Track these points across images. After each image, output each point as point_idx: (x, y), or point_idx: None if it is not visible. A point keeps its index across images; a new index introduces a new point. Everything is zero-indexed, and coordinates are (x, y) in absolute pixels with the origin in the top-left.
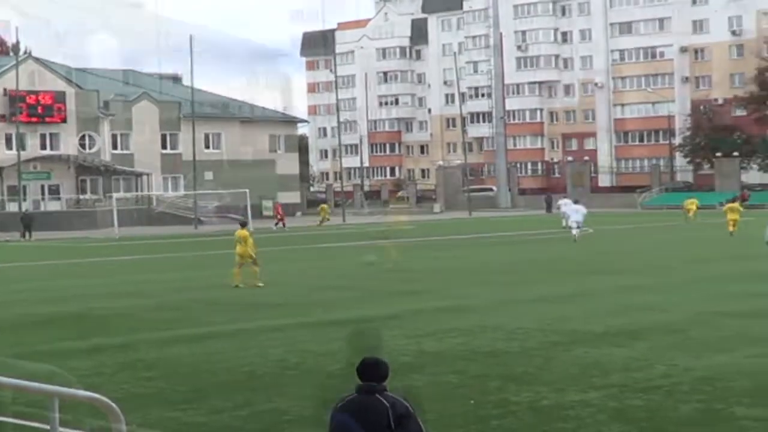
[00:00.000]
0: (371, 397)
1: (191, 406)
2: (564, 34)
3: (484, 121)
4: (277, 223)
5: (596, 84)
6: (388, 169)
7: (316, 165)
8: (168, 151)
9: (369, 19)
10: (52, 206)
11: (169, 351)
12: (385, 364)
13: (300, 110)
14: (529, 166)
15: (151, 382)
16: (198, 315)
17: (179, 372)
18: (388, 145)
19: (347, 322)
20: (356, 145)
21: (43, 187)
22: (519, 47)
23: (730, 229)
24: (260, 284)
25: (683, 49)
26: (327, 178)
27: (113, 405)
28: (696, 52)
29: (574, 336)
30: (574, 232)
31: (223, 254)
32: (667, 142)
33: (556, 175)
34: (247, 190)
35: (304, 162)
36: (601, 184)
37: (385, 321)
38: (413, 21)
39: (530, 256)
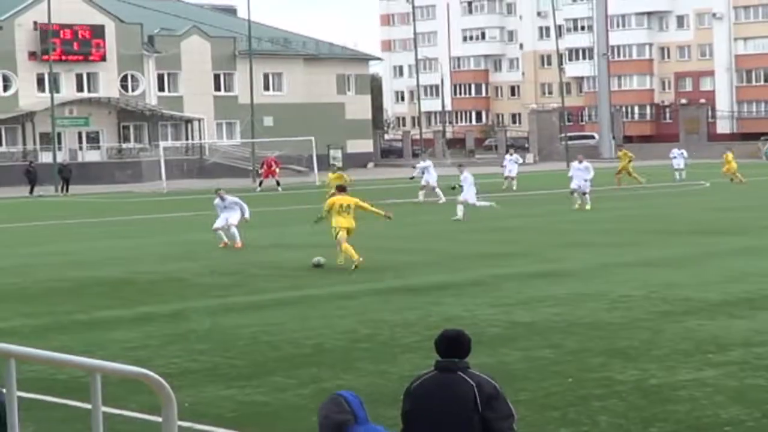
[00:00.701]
0: (453, 375)
1: (250, 383)
2: None
3: (584, 59)
4: (261, 182)
5: (714, 14)
6: (473, 113)
7: (391, 109)
8: (222, 93)
9: None
10: (91, 156)
11: (225, 321)
12: (467, 338)
13: (372, 45)
14: (636, 110)
15: (205, 355)
16: (256, 280)
17: (236, 345)
18: (473, 86)
19: (425, 289)
20: (437, 86)
21: (80, 134)
22: None
23: None
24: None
25: None
26: (403, 124)
27: (162, 381)
28: None
29: (687, 305)
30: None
31: (284, 211)
32: None
33: (667, 120)
34: (313, 138)
35: (377, 105)
36: (719, 130)
37: (468, 287)
38: None
39: (635, 214)
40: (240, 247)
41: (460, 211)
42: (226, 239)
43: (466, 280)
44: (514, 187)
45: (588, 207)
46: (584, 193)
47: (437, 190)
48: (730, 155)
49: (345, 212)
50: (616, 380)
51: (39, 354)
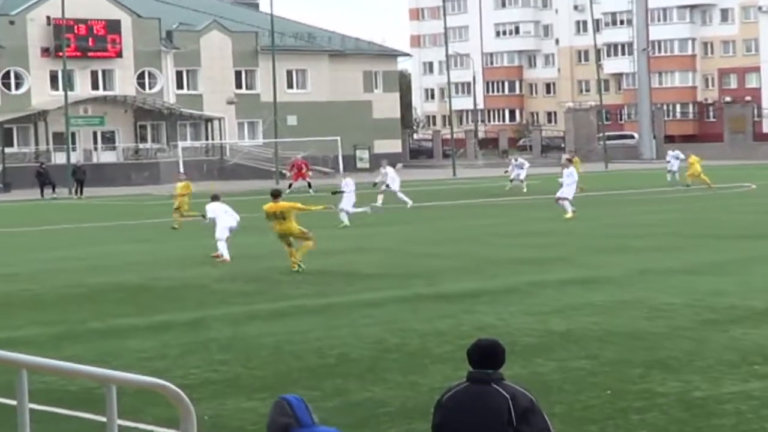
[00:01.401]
0: (486, 387)
1: (272, 395)
2: None
3: (623, 54)
4: (290, 185)
5: (760, 8)
6: (506, 111)
7: (421, 107)
8: (243, 91)
9: None
10: (107, 157)
11: (246, 329)
12: (501, 348)
13: (401, 41)
14: (678, 108)
15: (226, 366)
16: (280, 287)
17: (258, 355)
18: (506, 83)
19: (456, 296)
20: (468, 84)
21: (95, 134)
22: None
23: None
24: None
25: None
26: (434, 123)
27: (181, 393)
28: None
29: (731, 314)
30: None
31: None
32: None
33: (711, 119)
34: (339, 138)
35: (405, 104)
36: (765, 129)
37: (502, 295)
38: None
39: (673, 218)
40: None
41: (344, 218)
42: (226, 254)
43: (499, 286)
44: (524, 190)
45: (568, 215)
46: (558, 200)
47: (399, 194)
48: (694, 158)
49: (279, 218)
50: (657, 392)
51: (51, 364)
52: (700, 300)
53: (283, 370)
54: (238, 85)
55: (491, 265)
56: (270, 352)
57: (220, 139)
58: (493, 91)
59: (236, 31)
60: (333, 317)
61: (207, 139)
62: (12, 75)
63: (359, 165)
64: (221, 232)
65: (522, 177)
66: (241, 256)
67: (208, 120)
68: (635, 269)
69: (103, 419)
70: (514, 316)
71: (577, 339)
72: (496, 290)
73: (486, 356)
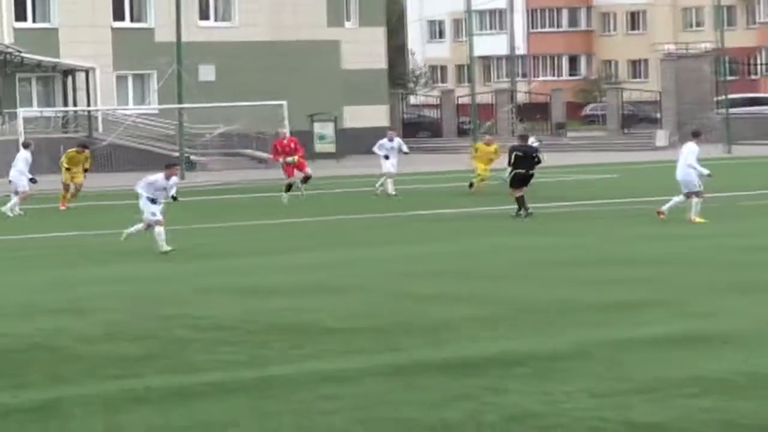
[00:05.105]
0: None
1: None
2: None
3: None
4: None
5: None
6: (564, 60)
7: (422, 52)
8: (126, 24)
9: None
10: None
11: (126, 419)
12: None
13: None
14: None
15: None
16: (184, 349)
17: None
18: (565, 13)
19: (476, 366)
20: (501, 12)
21: None
22: None
23: None
24: None
25: None
26: (443, 79)
27: None
28: None
29: None
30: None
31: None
32: None
33: None
34: (284, 103)
35: (396, 46)
36: None
37: (552, 363)
38: None
39: None
40: None
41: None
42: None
43: (549, 350)
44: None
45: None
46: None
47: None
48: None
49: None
50: None
51: None
52: None
53: None
54: (119, 15)
55: (536, 315)
56: None
57: (88, 104)
58: (541, 26)
59: None
60: (269, 400)
61: (66, 104)
62: None
63: (319, 147)
64: None
65: None
66: (125, 295)
67: (68, 72)
68: None
69: None
70: (572, 399)
71: None
72: (544, 355)
73: None
